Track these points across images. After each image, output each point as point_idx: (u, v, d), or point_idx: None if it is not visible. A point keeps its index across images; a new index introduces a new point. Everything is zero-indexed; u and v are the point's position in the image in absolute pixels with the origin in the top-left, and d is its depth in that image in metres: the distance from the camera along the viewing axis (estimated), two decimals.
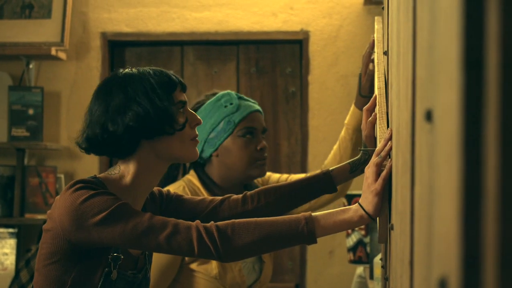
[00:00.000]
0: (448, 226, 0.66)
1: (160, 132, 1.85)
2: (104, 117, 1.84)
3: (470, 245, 0.58)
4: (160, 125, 1.84)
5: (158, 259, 2.34)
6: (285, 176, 2.67)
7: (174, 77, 1.91)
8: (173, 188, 2.45)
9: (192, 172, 2.56)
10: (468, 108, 0.60)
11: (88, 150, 1.91)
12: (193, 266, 2.44)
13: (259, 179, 2.65)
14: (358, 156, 2.04)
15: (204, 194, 2.48)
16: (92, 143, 1.87)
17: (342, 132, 2.61)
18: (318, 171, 2.08)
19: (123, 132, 1.83)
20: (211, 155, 2.52)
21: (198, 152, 1.94)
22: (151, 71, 1.89)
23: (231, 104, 2.51)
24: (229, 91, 2.59)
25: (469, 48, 0.59)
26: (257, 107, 2.57)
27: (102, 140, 1.85)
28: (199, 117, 1.94)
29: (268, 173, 2.67)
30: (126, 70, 1.91)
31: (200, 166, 2.56)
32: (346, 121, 2.61)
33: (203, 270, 2.43)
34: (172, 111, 1.86)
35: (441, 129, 0.73)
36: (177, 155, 1.90)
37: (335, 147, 2.63)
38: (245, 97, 2.58)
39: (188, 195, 2.40)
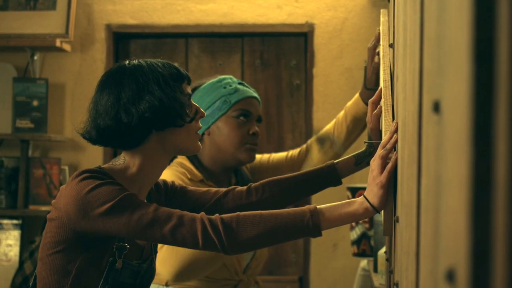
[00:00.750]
0: (456, 218, 0.66)
1: (172, 123, 1.85)
2: (116, 107, 1.84)
3: (479, 237, 0.58)
4: (174, 116, 1.85)
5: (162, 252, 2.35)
6: (266, 156, 2.70)
7: (181, 70, 1.92)
8: (169, 173, 2.44)
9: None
10: (477, 99, 0.59)
11: (95, 141, 1.90)
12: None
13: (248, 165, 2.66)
14: (364, 148, 2.04)
15: (198, 176, 2.49)
16: (102, 134, 1.87)
17: (341, 114, 2.63)
18: (323, 164, 2.07)
19: (137, 123, 1.83)
20: (203, 134, 2.53)
21: (200, 145, 1.95)
22: (159, 63, 1.89)
23: (230, 86, 2.54)
24: (231, 76, 2.61)
25: (480, 38, 0.59)
26: (256, 94, 2.58)
27: (114, 131, 1.85)
28: (202, 110, 1.95)
29: (266, 155, 2.70)
30: (133, 61, 1.90)
31: None
32: (347, 106, 2.62)
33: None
34: (184, 102, 1.87)
35: (450, 120, 0.72)
36: (182, 147, 1.90)
37: (329, 126, 2.65)
38: (246, 84, 2.60)
39: (185, 180, 2.41)
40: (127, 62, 1.91)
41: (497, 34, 0.57)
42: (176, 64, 1.93)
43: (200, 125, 1.94)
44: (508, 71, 0.54)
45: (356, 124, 2.59)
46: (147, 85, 1.84)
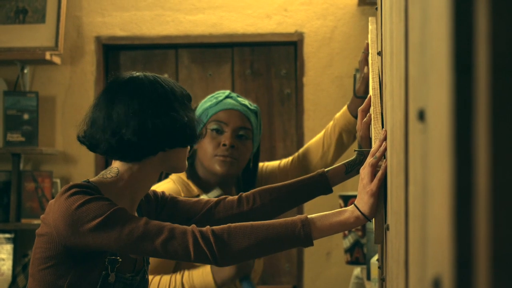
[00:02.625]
0: (441, 226, 0.66)
1: (185, 142, 1.86)
2: (139, 122, 1.81)
3: (462, 245, 0.58)
4: (192, 136, 1.85)
5: (152, 262, 2.36)
6: (272, 163, 2.71)
7: (185, 89, 1.92)
8: (166, 187, 2.47)
9: None
10: (458, 108, 0.60)
11: (102, 153, 1.87)
12: None
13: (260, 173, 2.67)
14: (354, 157, 2.04)
15: (195, 190, 2.50)
16: (119, 147, 1.83)
17: (330, 125, 2.64)
18: (313, 173, 2.07)
19: (157, 140, 1.81)
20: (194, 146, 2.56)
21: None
22: (170, 81, 1.89)
23: (216, 99, 2.56)
24: (228, 91, 2.62)
25: (459, 49, 0.59)
26: (240, 107, 2.56)
27: (131, 145, 1.82)
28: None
29: (259, 164, 2.69)
30: (146, 73, 1.88)
31: (189, 160, 2.57)
32: (335, 117, 2.63)
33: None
34: (198, 122, 1.89)
35: (433, 128, 0.73)
36: (178, 166, 1.91)
37: (319, 137, 2.66)
38: (240, 98, 2.59)
39: (181, 195, 2.42)
40: (138, 74, 1.88)
41: (476, 43, 0.57)
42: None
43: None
44: (487, 81, 0.54)
45: (345, 137, 2.61)
46: (170, 101, 1.83)
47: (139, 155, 1.85)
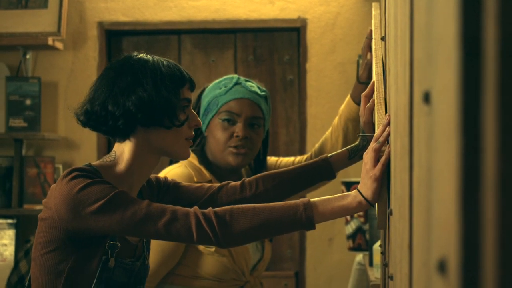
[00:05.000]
0: (446, 208, 0.66)
1: (158, 123, 1.85)
2: (107, 95, 1.84)
3: (469, 226, 0.58)
4: (160, 115, 1.84)
5: (162, 244, 2.34)
6: (273, 159, 2.68)
7: (185, 74, 1.90)
8: (179, 172, 2.44)
9: (191, 153, 2.55)
10: (466, 89, 0.59)
11: (84, 124, 1.90)
12: (202, 247, 2.44)
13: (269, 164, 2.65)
14: (357, 142, 2.04)
15: (207, 175, 2.48)
16: (89, 118, 1.87)
17: (336, 119, 2.61)
18: (316, 158, 2.07)
19: (121, 114, 1.82)
20: (204, 132, 2.53)
21: (190, 153, 1.94)
22: (165, 62, 1.89)
23: (225, 86, 2.52)
24: (236, 75, 2.58)
25: (467, 27, 0.59)
26: (250, 95, 2.52)
27: (99, 117, 1.85)
28: (199, 119, 1.94)
29: (274, 158, 2.67)
30: (141, 55, 1.90)
31: (198, 146, 2.55)
32: (340, 109, 2.61)
33: (213, 249, 2.44)
34: (175, 105, 1.86)
35: (440, 110, 0.72)
36: (169, 150, 1.90)
37: (328, 133, 2.63)
38: (249, 84, 2.55)
39: (194, 179, 2.40)
40: (135, 54, 1.90)
41: (485, 23, 0.57)
42: (182, 68, 1.93)
43: (193, 133, 1.92)
44: (496, 61, 0.54)
45: (352, 126, 2.58)
46: (143, 79, 1.83)
47: (110, 130, 1.86)
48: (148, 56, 1.89)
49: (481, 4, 0.58)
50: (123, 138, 1.88)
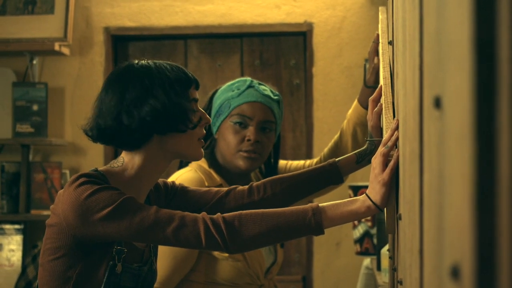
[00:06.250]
0: (460, 213, 0.65)
1: (174, 128, 1.84)
2: (119, 108, 1.82)
3: (483, 232, 0.57)
4: (175, 121, 1.83)
5: (175, 250, 2.33)
6: (283, 162, 2.67)
7: (190, 74, 1.90)
8: (188, 176, 2.43)
9: None
10: (479, 93, 0.59)
11: (96, 139, 1.89)
12: (216, 252, 2.42)
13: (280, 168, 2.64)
14: (365, 146, 2.03)
15: (217, 179, 2.46)
16: (103, 133, 1.86)
17: (344, 123, 2.60)
18: (324, 163, 2.06)
19: (138, 126, 1.82)
20: (215, 135, 2.51)
21: (203, 153, 1.94)
22: (168, 66, 1.88)
23: (238, 89, 2.49)
24: (249, 78, 2.56)
25: (481, 33, 0.58)
26: (263, 98, 2.50)
27: (114, 131, 1.84)
28: (208, 117, 1.93)
29: (283, 162, 2.66)
30: (142, 62, 1.89)
31: (208, 148, 2.54)
32: (348, 114, 2.60)
33: (227, 254, 2.42)
34: (187, 108, 1.85)
35: (451, 115, 0.72)
36: (183, 152, 1.89)
37: (336, 137, 2.62)
38: (262, 88, 2.53)
39: (205, 184, 2.39)
40: (136, 62, 1.89)
41: (498, 29, 0.57)
42: (185, 69, 1.92)
43: (204, 131, 1.92)
44: (509, 65, 0.54)
45: (361, 130, 2.57)
46: (152, 88, 1.83)
47: (126, 142, 1.85)
48: (150, 62, 1.89)
49: (494, 8, 0.57)
50: (137, 148, 1.87)
